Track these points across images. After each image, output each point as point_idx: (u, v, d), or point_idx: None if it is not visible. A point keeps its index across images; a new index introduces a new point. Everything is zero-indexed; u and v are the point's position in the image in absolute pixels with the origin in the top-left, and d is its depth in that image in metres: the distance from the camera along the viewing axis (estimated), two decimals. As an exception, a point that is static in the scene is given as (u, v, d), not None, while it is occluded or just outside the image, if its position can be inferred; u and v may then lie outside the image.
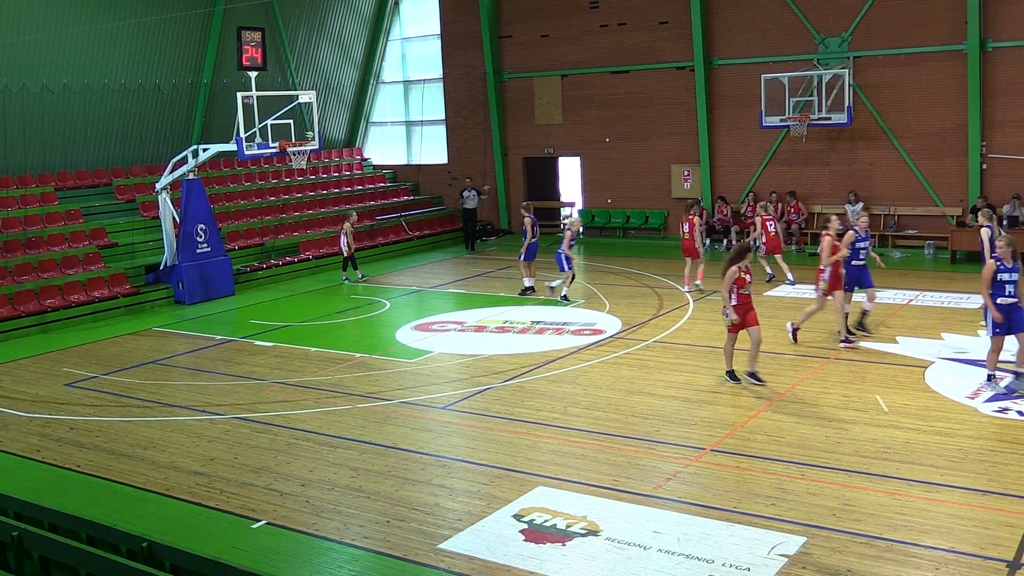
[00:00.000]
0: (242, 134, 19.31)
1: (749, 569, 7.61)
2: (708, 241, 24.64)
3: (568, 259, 18.31)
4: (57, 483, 10.32)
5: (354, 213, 22.84)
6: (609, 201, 27.33)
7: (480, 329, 16.55)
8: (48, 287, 18.87)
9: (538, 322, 16.72)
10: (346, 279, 21.96)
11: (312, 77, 29.37)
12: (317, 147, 21.36)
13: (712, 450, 10.30)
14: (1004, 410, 11.12)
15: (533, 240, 19.18)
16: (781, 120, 22.85)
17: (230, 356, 15.66)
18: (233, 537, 8.72)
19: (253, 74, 20.09)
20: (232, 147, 19.76)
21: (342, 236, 21.94)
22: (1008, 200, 21.13)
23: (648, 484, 9.44)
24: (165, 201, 20.59)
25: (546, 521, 8.68)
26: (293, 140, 20.51)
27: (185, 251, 20.31)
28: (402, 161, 31.63)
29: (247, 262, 22.86)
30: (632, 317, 16.87)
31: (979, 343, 14.07)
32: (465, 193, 26.48)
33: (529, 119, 28.20)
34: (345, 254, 22.02)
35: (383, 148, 32.04)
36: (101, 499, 9.78)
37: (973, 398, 11.60)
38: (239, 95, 19.41)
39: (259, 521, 9.00)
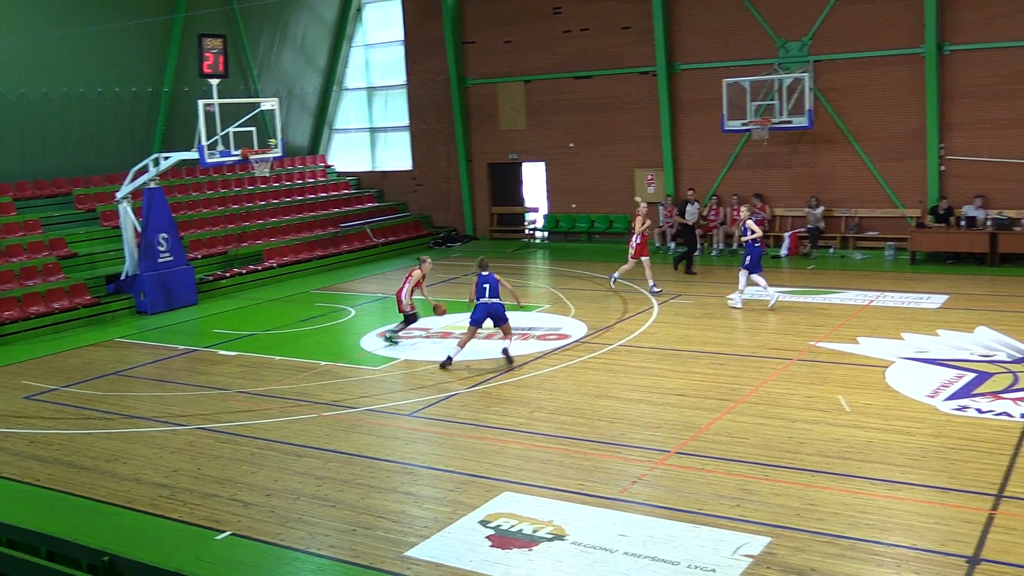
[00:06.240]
0: (204, 142, 19.17)
1: (714, 570, 7.65)
2: (673, 245, 24.79)
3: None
4: (16, 498, 10.16)
5: (428, 260, 16.33)
6: (574, 206, 27.40)
7: (446, 335, 16.49)
8: (6, 299, 18.58)
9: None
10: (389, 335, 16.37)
11: (275, 84, 29.21)
12: (280, 154, 21.25)
13: (677, 452, 10.34)
14: (963, 408, 11.27)
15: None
16: (743, 124, 23.02)
17: (193, 366, 15.52)
18: (197, 549, 8.64)
19: (215, 81, 19.95)
20: (194, 155, 19.63)
21: (407, 286, 15.96)
22: (969, 200, 21.43)
23: (614, 487, 9.47)
24: (126, 210, 20.38)
25: (512, 526, 8.68)
26: (256, 147, 20.40)
27: (147, 260, 20.11)
28: (366, 168, 31.53)
29: (210, 271, 22.66)
30: (597, 321, 16.92)
31: (939, 342, 14.27)
32: (689, 207, 22.68)
33: (493, 124, 28.22)
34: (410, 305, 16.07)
35: (347, 155, 31.92)
36: (61, 513, 9.65)
37: (933, 397, 11.75)
38: (200, 103, 19.26)
39: (223, 532, 8.92)
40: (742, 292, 17.39)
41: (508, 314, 14.41)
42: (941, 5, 21.56)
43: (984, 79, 21.56)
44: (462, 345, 14.38)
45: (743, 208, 17.98)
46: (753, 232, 17.20)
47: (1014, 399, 11.46)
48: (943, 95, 21.92)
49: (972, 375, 12.53)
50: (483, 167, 28.76)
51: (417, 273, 15.86)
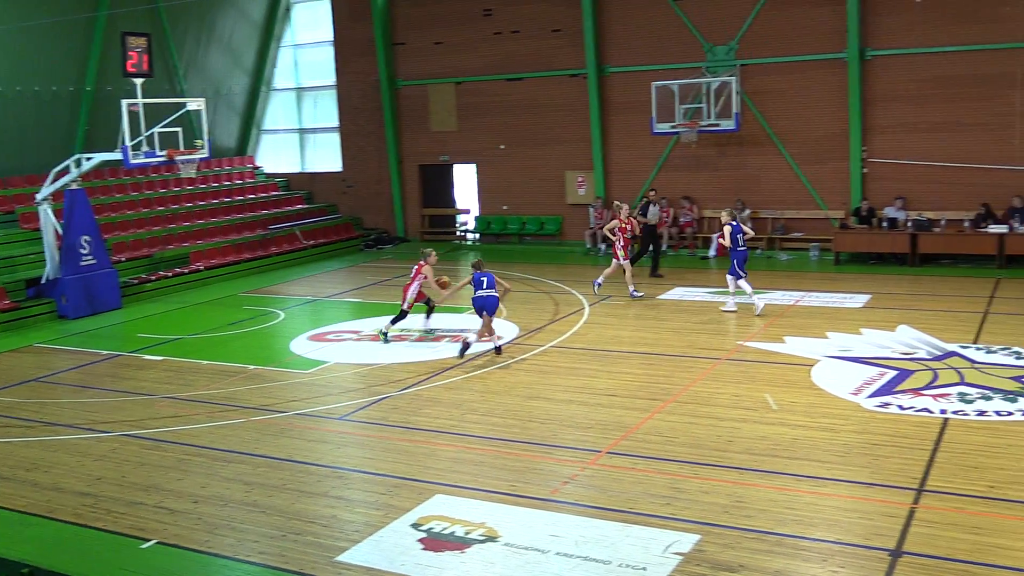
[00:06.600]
0: (127, 143, 18.78)
1: (645, 568, 7.72)
2: (603, 247, 24.97)
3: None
4: (-69, 509, 9.83)
5: (432, 252, 16.19)
6: (505, 208, 27.44)
7: (376, 338, 16.39)
8: (-80, 304, 18.00)
9: (435, 330, 16.66)
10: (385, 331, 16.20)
11: (201, 84, 28.71)
12: (207, 155, 20.90)
13: (608, 452, 10.42)
14: (885, 405, 11.55)
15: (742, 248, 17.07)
16: (672, 127, 23.26)
17: (117, 371, 15.17)
18: (122, 558, 8.44)
19: (139, 81, 19.55)
20: (117, 156, 19.22)
21: (416, 283, 15.91)
22: (890, 202, 21.98)
23: (545, 488, 9.50)
24: (46, 212, 19.85)
25: (444, 529, 8.65)
26: (182, 148, 20.05)
27: (68, 264, 19.61)
28: (296, 169, 31.18)
29: (135, 274, 22.18)
30: (528, 323, 16.96)
31: (862, 341, 14.60)
32: (651, 208, 21.94)
33: (424, 126, 28.13)
34: (409, 304, 15.99)
35: (276, 156, 31.51)
36: (-21, 525, 9.36)
37: (857, 394, 12.01)
38: (124, 103, 18.87)
39: (149, 541, 8.73)
40: (752, 294, 16.85)
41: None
42: (863, 11, 22.07)
43: (904, 84, 22.14)
44: (490, 336, 14.77)
45: (724, 213, 17.51)
46: (722, 241, 17.01)
47: (933, 396, 11.78)
48: (865, 99, 22.44)
49: (894, 372, 12.85)
50: (414, 169, 28.65)
51: (427, 269, 15.85)
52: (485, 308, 14.59)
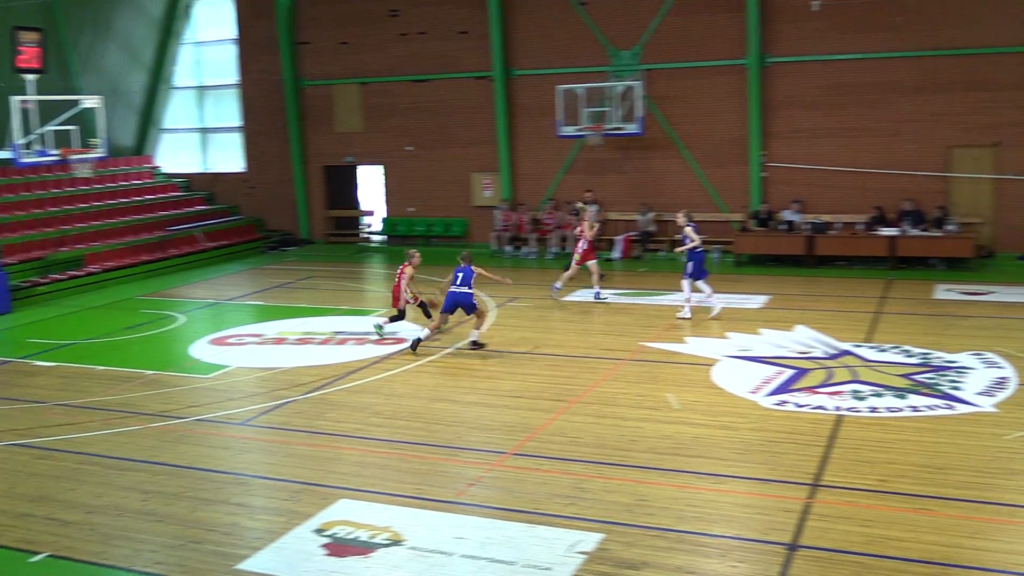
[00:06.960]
0: (19, 141, 18.13)
1: (550, 568, 7.76)
2: (510, 248, 25.07)
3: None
4: None
5: (416, 253, 16.53)
6: (411, 210, 27.31)
7: (280, 341, 16.16)
8: None
9: (340, 332, 16.50)
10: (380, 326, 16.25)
11: (98, 81, 27.84)
12: (103, 155, 20.32)
13: (513, 454, 10.44)
14: (783, 403, 11.85)
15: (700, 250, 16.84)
16: (577, 130, 23.46)
17: (6, 379, 14.59)
18: (8, 573, 8.13)
19: (31, 77, 18.90)
20: (8, 155, 18.55)
21: (403, 281, 16.04)
22: (788, 205, 22.58)
23: (450, 491, 9.48)
24: (-70, 213, 19.05)
25: (349, 534, 8.56)
26: (78, 147, 19.46)
27: (-46, 267, 18.85)
28: (197, 169, 30.50)
29: (26, 277, 21.39)
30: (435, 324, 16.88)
31: (760, 341, 14.95)
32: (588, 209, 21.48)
33: (329, 127, 27.82)
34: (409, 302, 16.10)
35: (176, 156, 30.76)
36: None
37: (755, 393, 12.30)
38: (14, 99, 18.21)
39: (39, 554, 8.42)
40: (689, 301, 16.78)
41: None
42: (763, 19, 22.63)
43: (802, 90, 22.78)
44: (432, 329, 15.07)
45: (680, 215, 17.21)
46: (692, 240, 16.68)
47: (828, 393, 12.13)
48: (765, 105, 23.01)
49: (791, 371, 13.19)
50: (319, 170, 28.31)
51: (409, 269, 16.00)
52: (459, 304, 14.68)
